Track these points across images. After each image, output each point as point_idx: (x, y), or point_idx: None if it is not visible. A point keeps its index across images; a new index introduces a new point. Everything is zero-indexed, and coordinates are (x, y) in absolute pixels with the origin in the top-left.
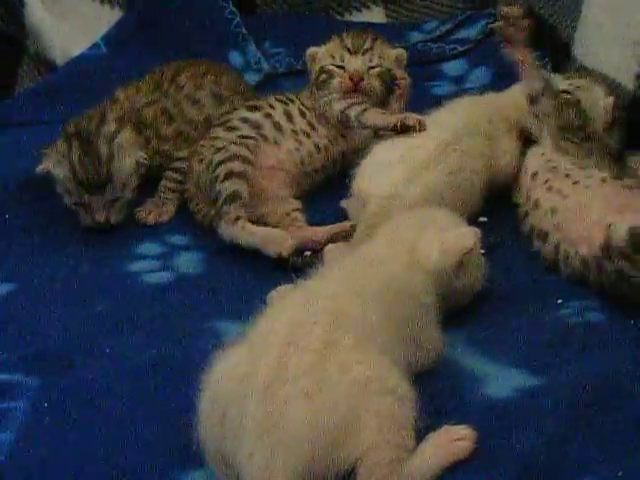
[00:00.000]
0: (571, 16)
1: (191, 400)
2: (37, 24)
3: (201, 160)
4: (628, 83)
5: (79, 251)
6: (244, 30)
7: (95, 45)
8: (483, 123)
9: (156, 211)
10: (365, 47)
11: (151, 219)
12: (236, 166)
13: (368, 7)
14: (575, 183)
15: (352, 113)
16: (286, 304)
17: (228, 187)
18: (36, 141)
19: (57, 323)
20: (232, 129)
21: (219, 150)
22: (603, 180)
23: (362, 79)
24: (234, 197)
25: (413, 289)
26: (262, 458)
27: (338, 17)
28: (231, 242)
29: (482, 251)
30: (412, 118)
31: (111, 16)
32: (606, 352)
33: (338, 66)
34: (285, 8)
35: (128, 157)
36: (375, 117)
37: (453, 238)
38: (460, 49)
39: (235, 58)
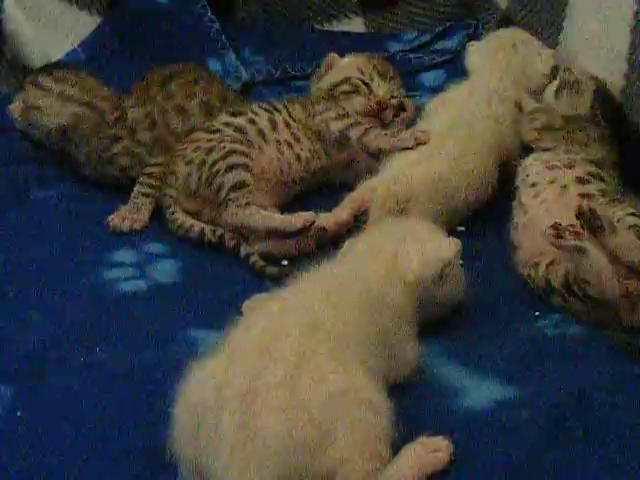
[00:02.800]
0: (551, 28)
1: (166, 410)
2: (15, 30)
3: (188, 162)
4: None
5: (53, 258)
6: (223, 38)
7: (73, 51)
8: (481, 108)
9: (130, 218)
10: (390, 75)
11: (125, 226)
12: (236, 159)
13: (348, 17)
14: (535, 195)
15: (353, 135)
16: (261, 314)
17: (232, 177)
18: (13, 147)
19: (31, 331)
20: (216, 132)
21: (211, 150)
22: (564, 187)
23: (387, 107)
24: (241, 185)
25: (391, 300)
26: (236, 469)
27: (318, 26)
28: (240, 226)
29: (461, 262)
30: (425, 135)
31: (89, 23)
32: (583, 364)
33: (365, 84)
34: (265, 16)
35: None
36: (379, 140)
37: (433, 249)
38: (439, 59)
39: (214, 66)
